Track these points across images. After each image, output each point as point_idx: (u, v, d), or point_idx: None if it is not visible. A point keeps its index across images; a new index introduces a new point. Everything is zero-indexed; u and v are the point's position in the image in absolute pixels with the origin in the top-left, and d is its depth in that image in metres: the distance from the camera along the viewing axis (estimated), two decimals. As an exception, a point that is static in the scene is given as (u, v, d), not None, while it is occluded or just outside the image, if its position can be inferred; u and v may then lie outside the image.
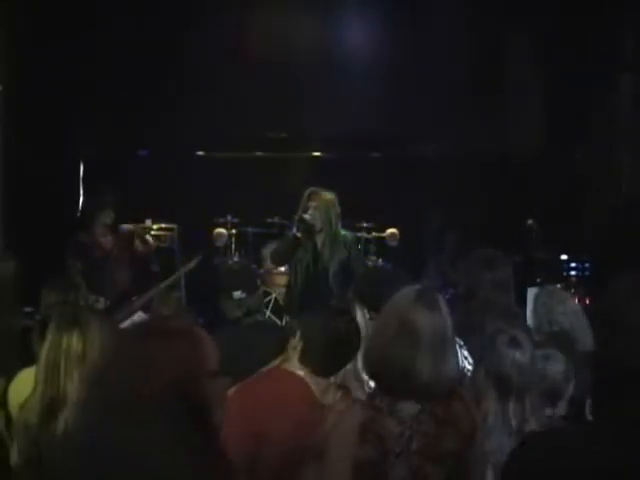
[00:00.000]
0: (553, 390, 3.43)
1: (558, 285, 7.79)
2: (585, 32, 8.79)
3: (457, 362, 2.99)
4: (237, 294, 4.97)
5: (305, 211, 6.12)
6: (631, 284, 3.64)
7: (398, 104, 9.46)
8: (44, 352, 3.12)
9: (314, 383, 3.13)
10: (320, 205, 6.10)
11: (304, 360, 3.17)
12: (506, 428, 3.20)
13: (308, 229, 6.11)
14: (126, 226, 7.31)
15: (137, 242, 7.58)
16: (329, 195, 6.21)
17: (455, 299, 6.18)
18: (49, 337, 3.13)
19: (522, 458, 2.26)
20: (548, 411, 3.36)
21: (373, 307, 3.66)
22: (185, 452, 1.90)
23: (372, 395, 2.81)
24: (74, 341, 3.09)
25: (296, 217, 6.18)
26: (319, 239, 6.18)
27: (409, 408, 2.71)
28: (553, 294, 4.49)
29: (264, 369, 3.33)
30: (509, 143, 9.62)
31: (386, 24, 9.63)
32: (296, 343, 3.21)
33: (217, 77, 9.32)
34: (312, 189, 6.23)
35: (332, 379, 3.22)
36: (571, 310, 4.30)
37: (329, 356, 3.18)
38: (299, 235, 6.13)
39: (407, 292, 2.88)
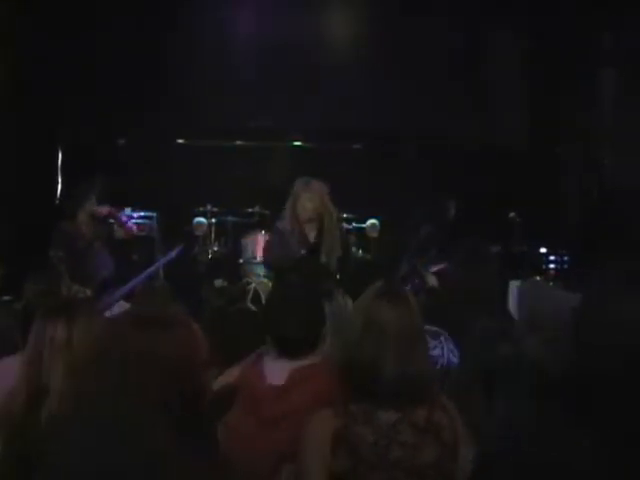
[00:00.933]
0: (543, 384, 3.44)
1: (538, 278, 7.85)
2: (568, 29, 8.84)
3: (428, 359, 2.92)
4: (219, 282, 4.97)
5: (297, 200, 6.11)
6: (611, 282, 3.63)
7: (381, 95, 9.46)
8: (29, 344, 3.09)
9: (271, 368, 3.03)
10: (314, 197, 6.14)
11: (270, 343, 3.14)
12: (494, 423, 3.19)
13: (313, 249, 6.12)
14: (98, 208, 7.16)
15: (115, 227, 7.50)
16: (322, 186, 6.25)
17: (420, 291, 6.24)
18: (34, 327, 3.09)
19: (514, 452, 2.26)
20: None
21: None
22: (183, 445, 1.88)
23: (348, 401, 2.66)
24: (59, 330, 3.05)
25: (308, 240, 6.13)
26: (312, 231, 6.19)
27: (387, 416, 2.60)
28: (537, 286, 4.51)
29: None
30: (492, 136, 9.66)
31: (372, 17, 9.62)
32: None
33: (199, 65, 9.28)
34: (304, 180, 6.22)
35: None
36: (555, 302, 4.32)
37: (281, 336, 3.12)
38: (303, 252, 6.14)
39: (372, 289, 2.81)
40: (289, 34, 9.26)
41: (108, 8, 8.99)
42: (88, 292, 5.50)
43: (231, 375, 3.06)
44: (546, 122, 9.38)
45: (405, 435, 2.59)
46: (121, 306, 5.75)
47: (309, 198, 6.12)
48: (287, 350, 3.07)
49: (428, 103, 9.41)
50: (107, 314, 5.81)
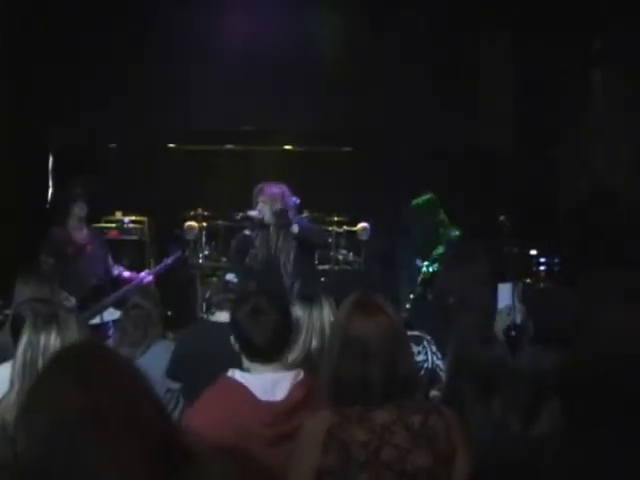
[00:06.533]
0: (539, 385, 3.45)
1: (528, 280, 7.85)
2: (556, 29, 8.86)
3: (413, 361, 2.94)
4: (230, 276, 4.94)
5: (255, 207, 6.31)
6: (599, 285, 3.63)
7: (368, 98, 9.47)
8: (20, 351, 3.08)
9: (255, 382, 2.98)
10: (266, 200, 6.25)
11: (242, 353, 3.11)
12: (488, 427, 3.19)
13: (258, 224, 6.29)
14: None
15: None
16: (275, 189, 6.34)
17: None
18: (25, 336, 3.09)
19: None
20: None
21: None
22: None
23: (342, 404, 2.65)
24: (52, 339, 3.06)
25: (241, 215, 6.36)
26: (271, 232, 6.32)
27: (382, 418, 2.60)
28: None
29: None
30: (481, 139, 9.67)
31: (357, 19, 9.63)
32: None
33: (188, 70, 9.27)
34: (260, 185, 6.41)
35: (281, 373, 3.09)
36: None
37: (252, 341, 3.05)
38: (248, 232, 6.32)
39: (347, 302, 2.79)
40: (277, 37, 9.27)
41: (96, 11, 8.98)
42: (72, 300, 5.45)
43: (202, 411, 3.00)
44: (535, 124, 9.39)
45: (398, 437, 2.58)
46: (111, 313, 5.76)
47: (269, 202, 6.23)
48: (260, 359, 3.05)
49: (414, 105, 9.41)
50: (96, 321, 5.84)
